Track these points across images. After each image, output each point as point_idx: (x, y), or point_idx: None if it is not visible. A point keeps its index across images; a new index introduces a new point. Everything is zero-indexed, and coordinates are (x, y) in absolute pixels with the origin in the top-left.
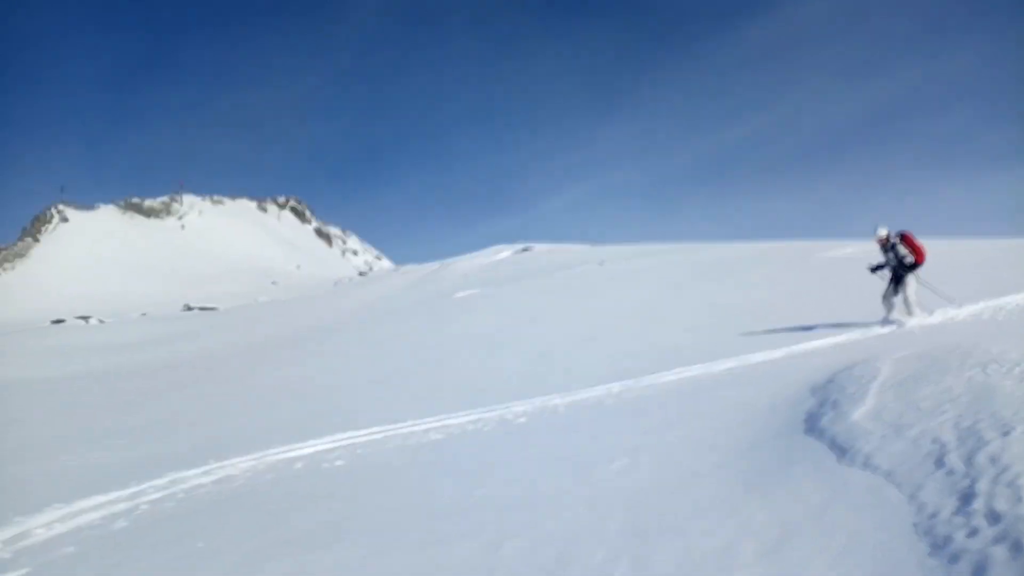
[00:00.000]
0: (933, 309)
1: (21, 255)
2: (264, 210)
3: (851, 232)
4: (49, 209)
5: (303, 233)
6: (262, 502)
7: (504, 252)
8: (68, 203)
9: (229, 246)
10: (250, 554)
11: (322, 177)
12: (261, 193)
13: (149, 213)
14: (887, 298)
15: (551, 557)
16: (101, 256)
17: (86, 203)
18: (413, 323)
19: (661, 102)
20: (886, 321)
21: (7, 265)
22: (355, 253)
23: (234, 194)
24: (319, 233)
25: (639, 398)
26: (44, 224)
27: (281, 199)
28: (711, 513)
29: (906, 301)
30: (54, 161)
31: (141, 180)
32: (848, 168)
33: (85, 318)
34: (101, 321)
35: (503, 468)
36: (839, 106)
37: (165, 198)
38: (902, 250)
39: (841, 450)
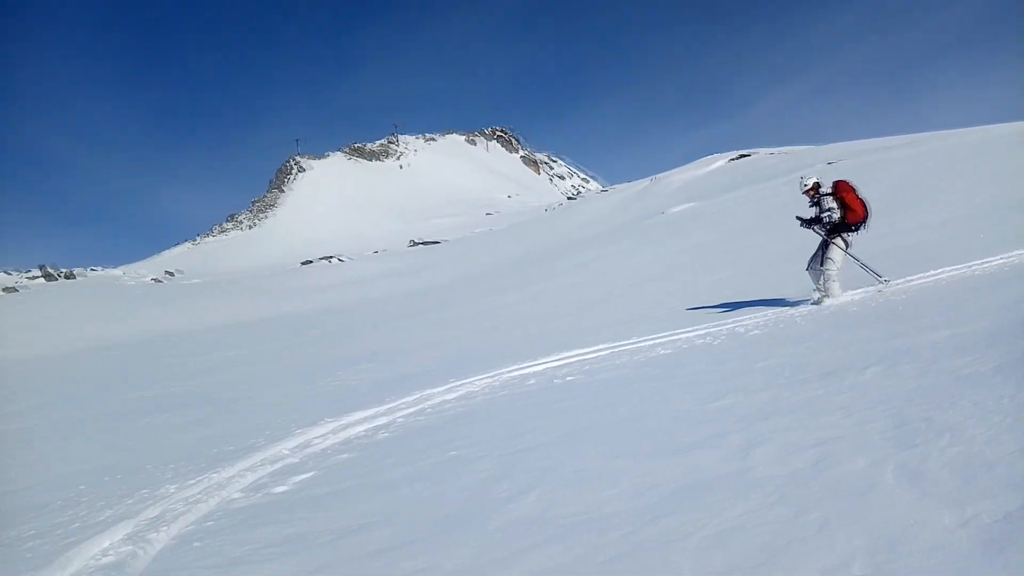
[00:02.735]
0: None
1: (272, 205)
2: (473, 143)
3: None
4: (289, 161)
5: (511, 162)
6: (503, 414)
7: (719, 161)
8: (303, 154)
9: (444, 181)
10: (502, 458)
11: (526, 104)
12: (468, 126)
13: (371, 156)
14: (812, 267)
15: (807, 463)
16: (335, 200)
17: (318, 152)
18: (626, 243)
19: None
20: (816, 295)
21: (261, 215)
22: (563, 178)
23: (444, 130)
24: (527, 161)
25: (889, 303)
26: (286, 175)
27: (488, 130)
28: (995, 418)
29: (824, 272)
30: (289, 116)
31: (361, 125)
32: None
33: (328, 258)
34: (341, 260)
35: (741, 379)
36: None
37: (383, 140)
38: (828, 204)
39: None
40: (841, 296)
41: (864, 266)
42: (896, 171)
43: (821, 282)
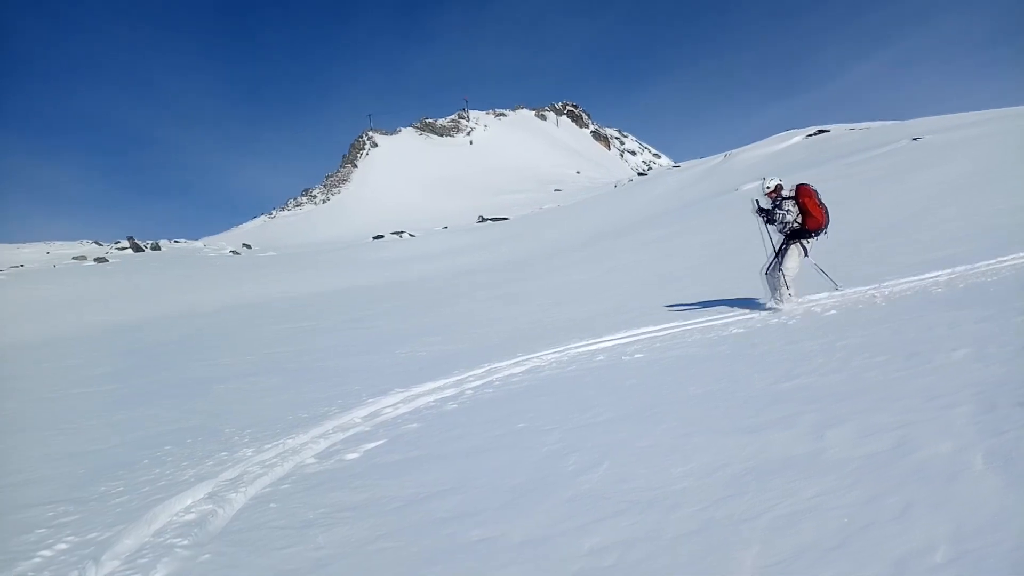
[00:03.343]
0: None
1: (344, 180)
2: (543, 118)
3: None
4: (361, 137)
5: (581, 137)
6: (571, 389)
7: (795, 137)
8: (375, 130)
9: (513, 157)
10: (571, 432)
11: (595, 79)
12: (539, 101)
13: (441, 132)
14: (769, 272)
15: (886, 446)
16: (406, 175)
17: (389, 128)
18: (698, 220)
19: None
20: (772, 301)
21: (335, 190)
22: (633, 153)
23: (514, 105)
24: (596, 136)
25: (976, 285)
26: (359, 151)
27: (558, 105)
28: None
29: (780, 278)
30: (362, 91)
31: (431, 101)
32: None
33: (399, 233)
34: (412, 235)
35: (817, 359)
36: None
37: (454, 116)
38: (787, 207)
39: None
40: (797, 302)
41: (821, 272)
42: (985, 147)
43: (778, 289)
